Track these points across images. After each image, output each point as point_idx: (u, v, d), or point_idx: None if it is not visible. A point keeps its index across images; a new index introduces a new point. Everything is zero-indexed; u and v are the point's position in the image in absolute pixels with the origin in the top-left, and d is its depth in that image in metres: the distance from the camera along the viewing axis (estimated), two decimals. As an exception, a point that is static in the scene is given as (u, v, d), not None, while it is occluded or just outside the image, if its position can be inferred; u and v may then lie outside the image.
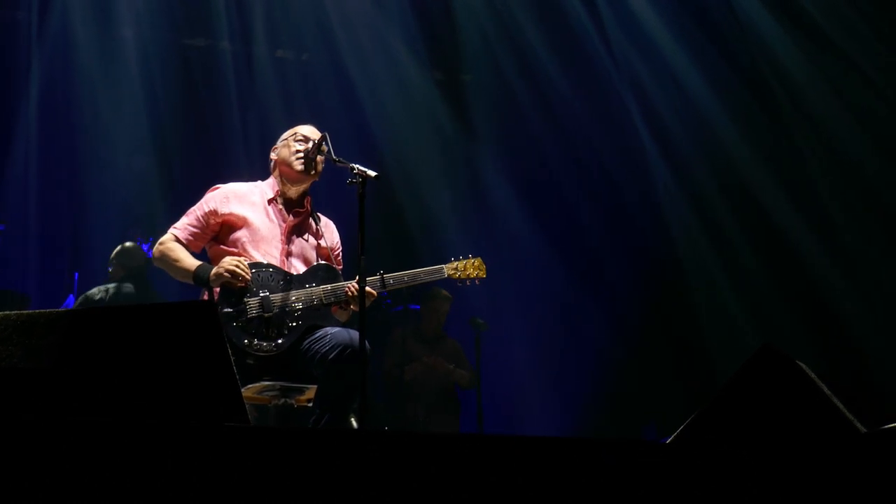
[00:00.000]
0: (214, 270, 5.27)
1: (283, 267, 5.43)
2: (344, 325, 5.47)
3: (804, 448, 3.07)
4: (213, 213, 5.53)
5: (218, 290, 5.26)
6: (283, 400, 5.32)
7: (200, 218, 5.53)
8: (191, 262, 5.40)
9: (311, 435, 2.60)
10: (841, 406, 3.36)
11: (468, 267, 5.78)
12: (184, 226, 5.54)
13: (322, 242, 5.71)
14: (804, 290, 9.53)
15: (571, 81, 10.40)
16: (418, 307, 9.33)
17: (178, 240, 5.49)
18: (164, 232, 5.70)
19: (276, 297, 5.29)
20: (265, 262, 5.41)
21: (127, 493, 2.42)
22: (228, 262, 5.26)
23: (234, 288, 5.24)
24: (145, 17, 9.89)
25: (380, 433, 2.73)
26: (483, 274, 5.82)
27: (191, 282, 5.39)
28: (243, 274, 5.24)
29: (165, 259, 5.48)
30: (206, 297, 5.37)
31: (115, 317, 3.32)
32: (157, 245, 5.56)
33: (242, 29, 10.31)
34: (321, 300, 5.37)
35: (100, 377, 3.09)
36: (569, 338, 10.47)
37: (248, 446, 2.52)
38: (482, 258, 5.85)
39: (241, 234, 5.48)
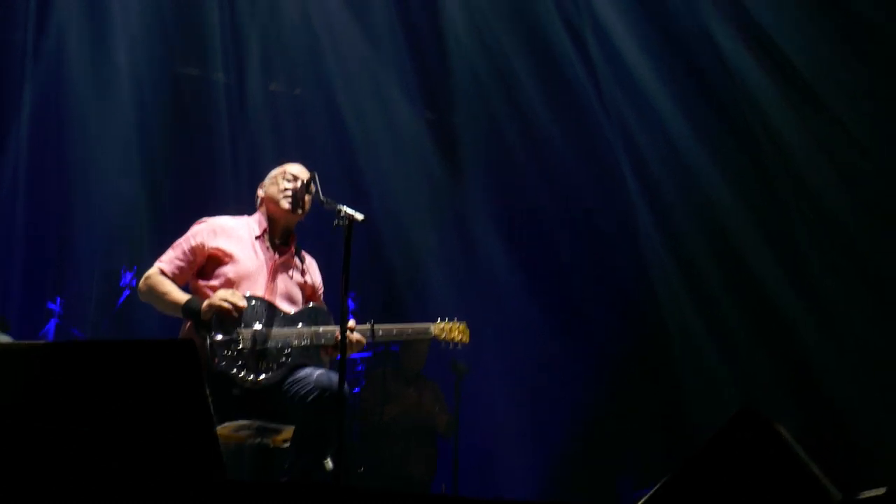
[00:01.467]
0: (208, 301, 5.25)
1: (269, 300, 5.44)
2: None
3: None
4: (201, 246, 5.52)
5: (210, 318, 5.24)
6: (258, 439, 5.31)
7: (187, 251, 5.51)
8: (180, 295, 5.38)
9: (285, 489, 2.59)
10: (818, 472, 3.35)
11: (453, 330, 5.88)
12: (170, 259, 5.52)
13: (307, 280, 5.73)
14: (785, 346, 9.53)
15: (561, 127, 10.43)
16: (398, 347, 9.33)
17: (164, 273, 5.47)
18: (149, 260, 5.69)
19: (269, 332, 5.30)
20: (260, 295, 5.41)
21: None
22: (223, 293, 5.25)
23: (229, 318, 5.22)
24: (140, 43, 9.86)
25: (353, 491, 2.72)
26: (466, 339, 5.93)
27: (179, 315, 5.36)
28: (238, 304, 5.23)
29: (153, 293, 5.44)
30: (188, 325, 5.37)
31: (93, 351, 3.32)
32: (143, 280, 5.53)
33: (237, 60, 10.30)
34: (312, 341, 5.38)
35: (75, 411, 3.08)
36: (548, 385, 10.45)
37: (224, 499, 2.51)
38: (467, 322, 5.96)
39: (226, 269, 5.47)
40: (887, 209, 9.15)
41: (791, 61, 9.40)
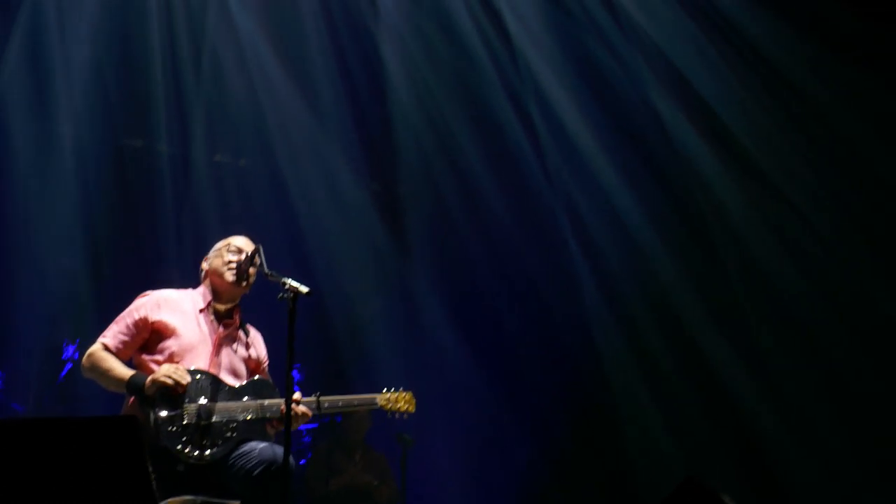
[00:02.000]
0: (151, 377, 5.21)
1: (213, 374, 5.40)
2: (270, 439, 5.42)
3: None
4: (144, 320, 5.48)
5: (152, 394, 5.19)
6: (203, 514, 5.24)
7: (130, 326, 5.47)
8: (124, 371, 5.32)
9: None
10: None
11: (399, 399, 5.90)
12: (113, 334, 5.47)
13: (252, 354, 5.69)
14: (730, 416, 9.59)
15: (505, 197, 10.47)
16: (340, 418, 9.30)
17: (107, 349, 5.43)
18: (92, 333, 5.65)
19: (214, 407, 5.26)
20: (204, 369, 5.37)
21: None
22: (166, 369, 5.21)
23: (173, 394, 5.18)
24: (84, 114, 9.80)
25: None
26: (412, 409, 5.96)
27: (124, 391, 5.32)
28: (181, 381, 5.18)
29: (96, 369, 5.39)
30: (132, 401, 5.31)
31: (34, 429, 3.28)
32: (86, 356, 5.47)
33: (181, 131, 10.27)
34: (258, 414, 5.35)
35: (17, 490, 3.04)
36: (494, 453, 10.42)
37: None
38: (413, 391, 5.96)
39: (170, 343, 5.43)
40: (830, 278, 9.27)
41: (732, 132, 9.56)
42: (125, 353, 5.45)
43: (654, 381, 9.99)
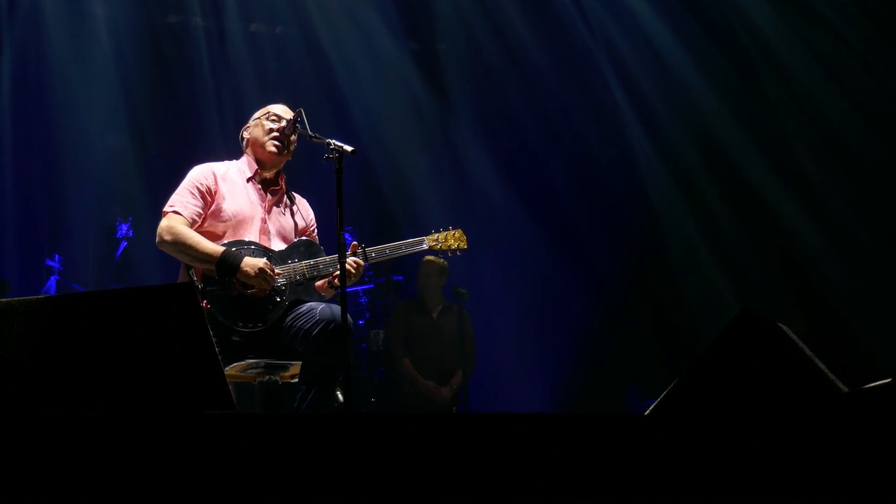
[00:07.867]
0: (246, 270, 5.16)
1: (263, 245, 5.41)
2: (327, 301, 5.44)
3: (788, 410, 3.09)
4: (209, 190, 5.41)
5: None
6: (267, 377, 5.31)
7: (199, 196, 5.36)
8: (213, 247, 5.22)
9: (294, 420, 2.60)
10: (823, 366, 3.37)
11: (449, 238, 5.79)
12: (185, 203, 5.35)
13: (298, 220, 5.68)
14: (783, 250, 9.57)
15: (546, 48, 10.37)
16: (401, 278, 9.30)
17: (185, 221, 5.32)
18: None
19: None
20: (246, 239, 5.36)
21: (111, 487, 2.42)
22: (265, 268, 5.20)
23: (256, 291, 5.20)
24: (116, -6, 9.79)
25: (359, 416, 2.74)
26: (464, 245, 5.82)
27: (211, 267, 5.18)
28: (269, 286, 5.21)
29: (181, 242, 5.22)
30: (182, 274, 5.34)
31: (95, 302, 3.31)
32: (166, 229, 5.26)
33: (214, 3, 10.21)
34: (304, 275, 5.35)
35: (81, 364, 3.09)
36: (550, 303, 10.50)
37: (231, 433, 2.52)
38: (462, 229, 5.86)
39: (224, 215, 5.40)
40: (877, 104, 9.13)
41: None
42: (198, 224, 5.36)
43: (706, 218, 9.96)
